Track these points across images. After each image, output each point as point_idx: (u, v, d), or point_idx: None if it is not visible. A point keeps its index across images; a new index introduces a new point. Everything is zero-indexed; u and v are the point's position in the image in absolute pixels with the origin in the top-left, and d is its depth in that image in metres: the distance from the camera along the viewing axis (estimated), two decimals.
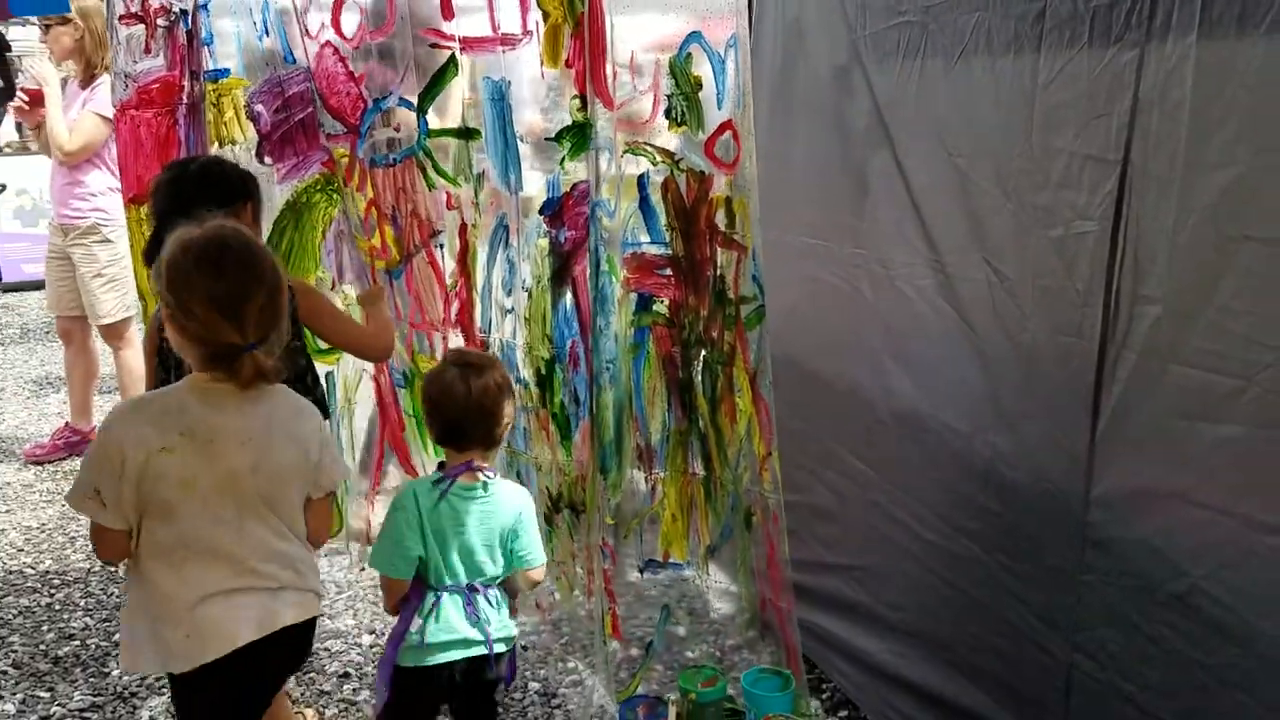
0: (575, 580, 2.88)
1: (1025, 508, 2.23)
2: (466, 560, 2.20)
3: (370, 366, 3.20)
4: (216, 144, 3.03)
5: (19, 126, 5.28)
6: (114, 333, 4.97)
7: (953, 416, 2.44)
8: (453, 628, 2.19)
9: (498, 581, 2.27)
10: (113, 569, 3.73)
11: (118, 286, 4.83)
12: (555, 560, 2.85)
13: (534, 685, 3.06)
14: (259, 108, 2.95)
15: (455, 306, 2.86)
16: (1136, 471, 1.95)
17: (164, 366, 2.37)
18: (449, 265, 2.83)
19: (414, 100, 2.65)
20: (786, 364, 2.99)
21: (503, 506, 2.24)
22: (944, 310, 2.44)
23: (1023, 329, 2.21)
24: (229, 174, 2.51)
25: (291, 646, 2.04)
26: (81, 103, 4.69)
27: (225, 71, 3.06)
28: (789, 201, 3.00)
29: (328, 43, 2.70)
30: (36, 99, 4.72)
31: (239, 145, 3.03)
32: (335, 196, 2.96)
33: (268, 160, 2.97)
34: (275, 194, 3.02)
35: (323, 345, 3.13)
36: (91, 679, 3.14)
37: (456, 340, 2.90)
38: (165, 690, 2.86)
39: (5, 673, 3.19)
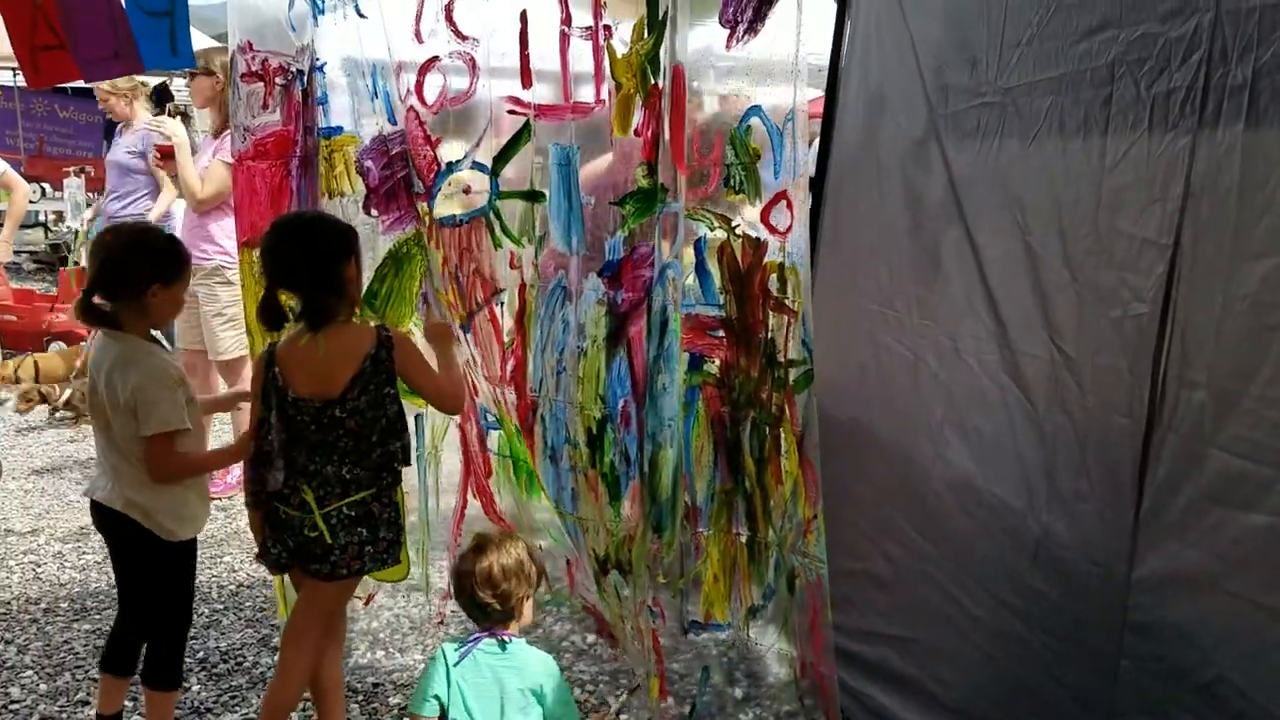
0: (627, 643, 2.90)
1: (1070, 588, 2.21)
2: (490, 714, 2.42)
3: (457, 415, 3.30)
4: (326, 196, 3.20)
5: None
6: (231, 369, 5.27)
7: (1007, 491, 2.44)
8: None
9: None
10: None
11: (236, 325, 5.10)
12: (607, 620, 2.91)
13: None
14: (368, 163, 3.11)
15: (511, 364, 2.93)
16: (1175, 555, 1.93)
17: (265, 404, 2.55)
18: (507, 323, 2.92)
19: (488, 163, 2.76)
20: (852, 427, 3.03)
21: (528, 666, 2.46)
22: (1006, 385, 2.46)
23: (1080, 408, 2.22)
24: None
25: (111, 521, 2.73)
26: (213, 152, 5.04)
27: (339, 129, 3.25)
28: (863, 268, 3.06)
29: (410, 107, 2.84)
30: (168, 153, 5.12)
31: (348, 197, 3.19)
32: (424, 252, 3.11)
33: (374, 212, 3.12)
34: (379, 244, 3.16)
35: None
36: None
37: (511, 397, 2.97)
38: None
39: None
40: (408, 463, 2.64)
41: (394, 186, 3.07)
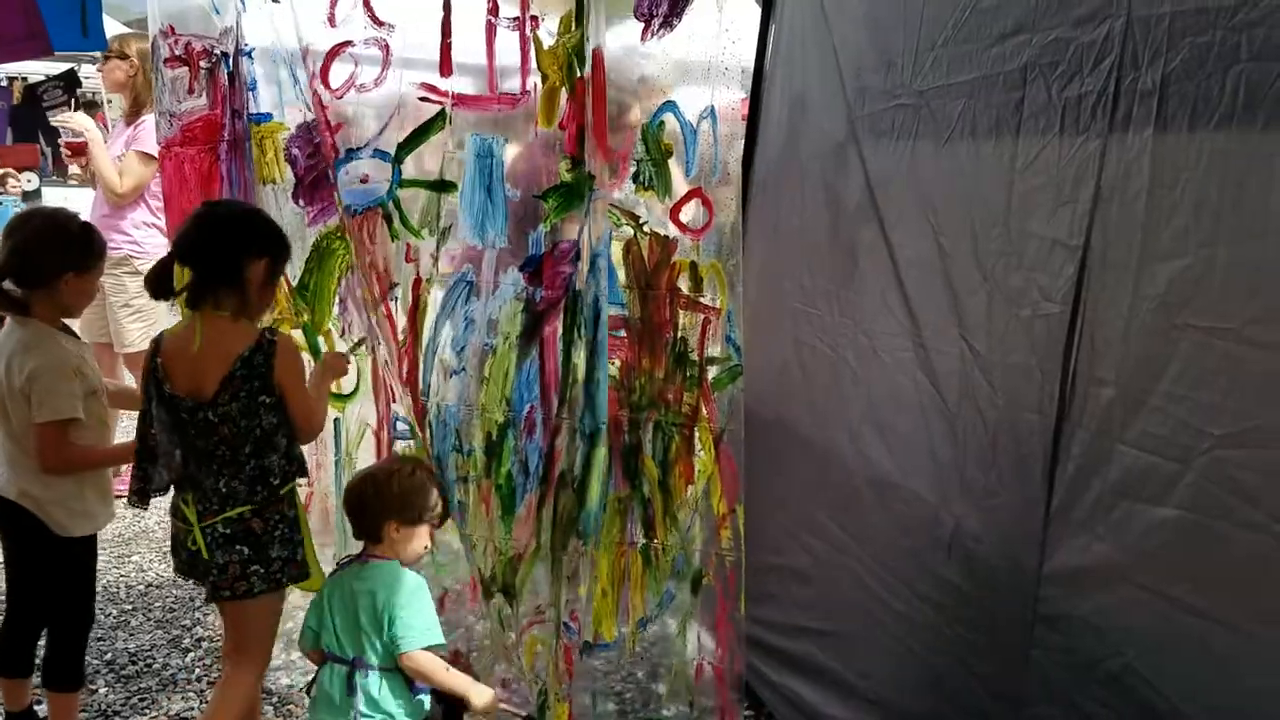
0: (523, 673, 2.84)
1: (983, 581, 2.26)
2: (349, 635, 2.39)
3: (371, 419, 3.23)
4: (261, 183, 3.14)
5: (57, 162, 5.52)
6: (135, 362, 5.12)
7: (923, 487, 2.48)
8: (326, 694, 2.39)
9: (384, 666, 2.38)
10: None
11: (144, 317, 4.97)
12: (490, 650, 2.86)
13: None
14: (295, 152, 3.05)
15: (405, 365, 2.83)
16: (1085, 549, 1.98)
17: (147, 395, 2.47)
18: (401, 321, 2.82)
19: (391, 151, 2.69)
20: (775, 425, 3.05)
21: (379, 575, 2.40)
22: (921, 382, 2.49)
23: (991, 405, 2.26)
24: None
25: (5, 512, 2.68)
26: (125, 142, 4.89)
27: (268, 115, 3.18)
28: (785, 266, 3.08)
29: (315, 92, 2.77)
30: (78, 150, 4.95)
31: (278, 186, 3.14)
32: (349, 245, 3.05)
33: (301, 203, 3.07)
34: (307, 235, 3.11)
35: (341, 390, 3.22)
36: None
37: (407, 400, 2.88)
38: None
39: None
40: (298, 475, 2.51)
41: (318, 176, 3.01)
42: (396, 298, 2.81)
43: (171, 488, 2.50)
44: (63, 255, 2.65)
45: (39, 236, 2.68)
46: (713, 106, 2.24)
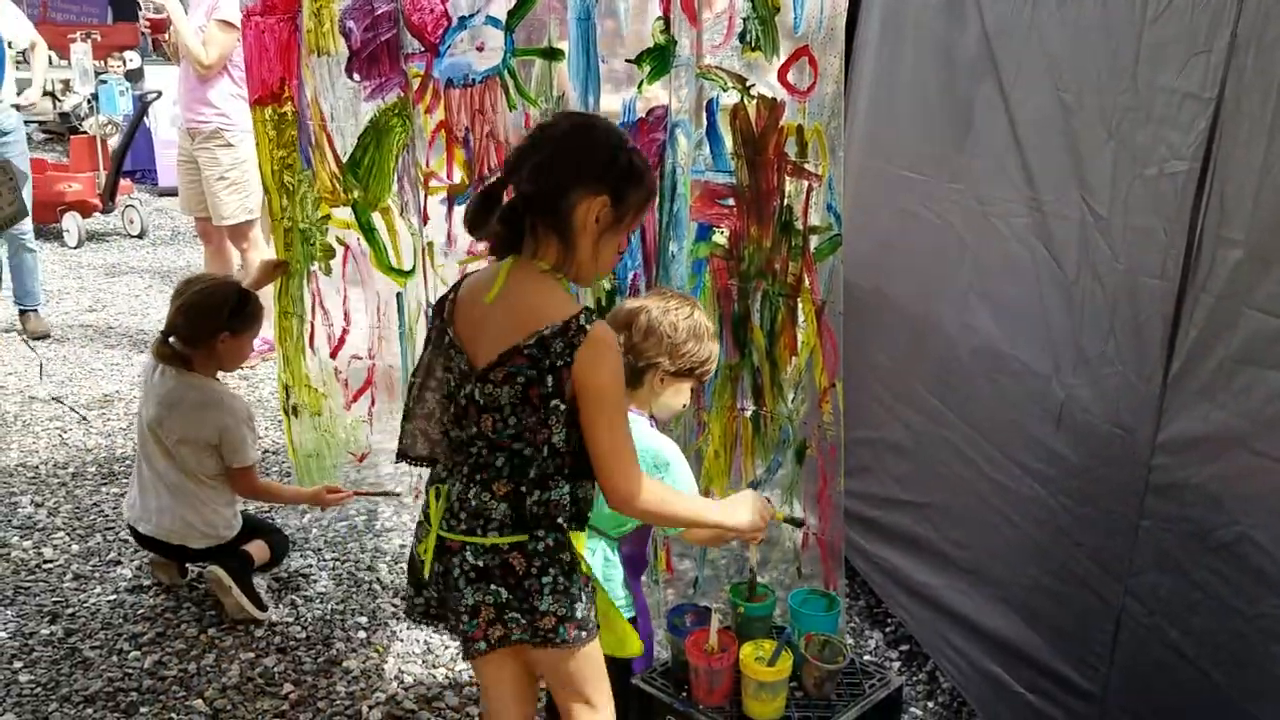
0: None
1: (1093, 451, 2.20)
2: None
3: (421, 297, 3.22)
4: (315, 53, 3.08)
5: (155, 43, 5.56)
6: (238, 234, 5.24)
7: (1032, 357, 2.41)
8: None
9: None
10: None
11: (240, 189, 5.06)
12: None
13: None
14: (350, 24, 2.97)
15: None
16: (1204, 417, 1.90)
17: (427, 337, 1.98)
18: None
19: (502, 18, 2.60)
20: (875, 295, 2.99)
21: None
22: (1035, 249, 2.40)
23: (1111, 270, 2.17)
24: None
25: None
26: (206, 12, 4.89)
27: None
28: (892, 132, 2.98)
29: None
30: (160, 26, 4.97)
31: (332, 57, 3.07)
32: (409, 123, 2.98)
33: (356, 76, 3.02)
34: (361, 110, 3.07)
35: (400, 266, 3.24)
36: None
37: None
38: None
39: None
40: (578, 526, 1.84)
41: (376, 50, 2.96)
42: None
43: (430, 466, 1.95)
44: (222, 319, 3.07)
45: (204, 301, 3.08)
46: None
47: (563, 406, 1.73)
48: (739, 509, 2.03)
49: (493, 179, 1.83)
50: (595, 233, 1.75)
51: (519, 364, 1.72)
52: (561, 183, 1.73)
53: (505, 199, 1.78)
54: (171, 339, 3.11)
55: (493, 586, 1.80)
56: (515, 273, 1.78)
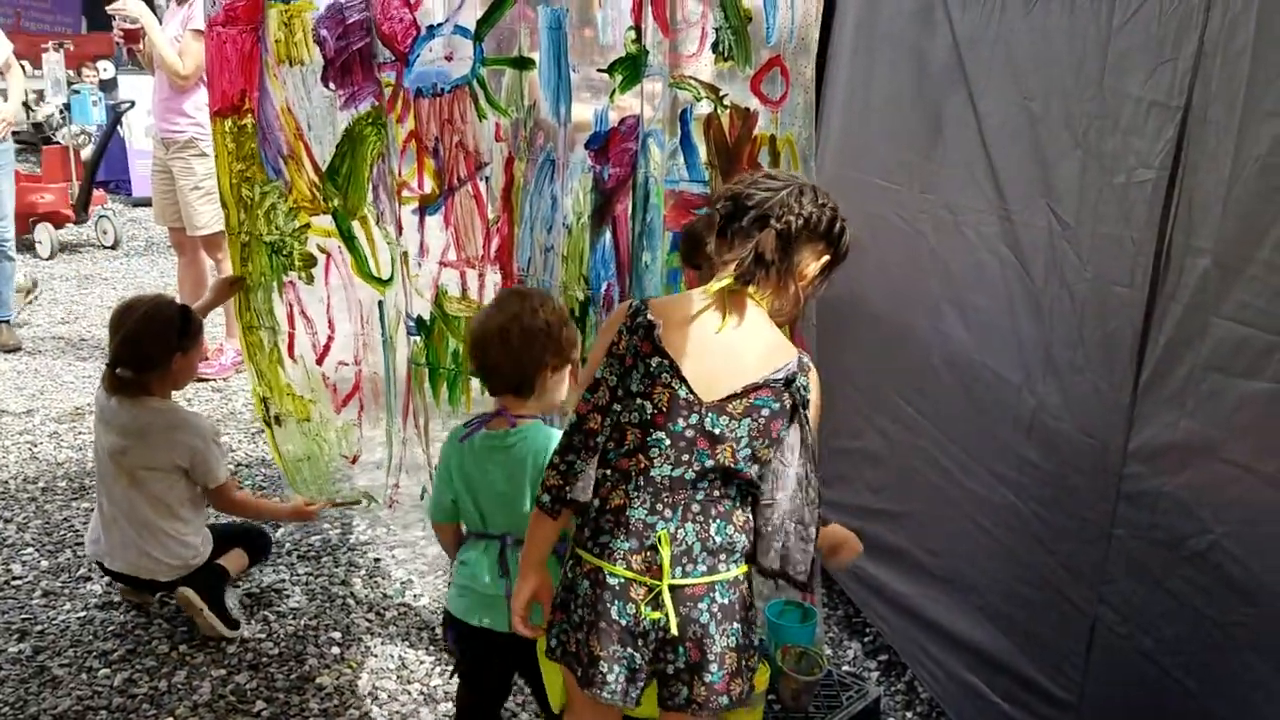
0: None
1: (1065, 459, 2.20)
2: (499, 508, 2.12)
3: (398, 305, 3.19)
4: (287, 63, 3.05)
5: (130, 52, 5.51)
6: (213, 244, 5.18)
7: (1003, 365, 2.41)
8: (474, 575, 2.13)
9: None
10: None
11: (214, 199, 4.99)
12: None
13: None
14: (324, 33, 2.95)
15: (495, 243, 2.81)
16: (1174, 425, 1.91)
17: (610, 362, 1.82)
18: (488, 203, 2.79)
19: (472, 28, 2.60)
20: (849, 303, 2.99)
21: (529, 451, 2.07)
22: (1005, 257, 2.41)
23: (1080, 278, 2.17)
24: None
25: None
26: (181, 23, 4.86)
27: None
28: (865, 141, 2.98)
29: None
30: (134, 37, 4.93)
31: (306, 67, 3.05)
32: (384, 131, 2.98)
33: (331, 86, 3.00)
34: (338, 120, 3.05)
35: (379, 274, 3.22)
36: None
37: (494, 278, 2.87)
38: None
39: None
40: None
41: (349, 59, 2.94)
42: (486, 177, 2.79)
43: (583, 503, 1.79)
44: (173, 343, 3.02)
45: (150, 328, 3.00)
46: None
47: (791, 439, 1.74)
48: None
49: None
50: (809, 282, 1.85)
51: (764, 396, 1.72)
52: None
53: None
54: (118, 370, 3.01)
55: (734, 625, 1.73)
56: (740, 305, 1.76)
